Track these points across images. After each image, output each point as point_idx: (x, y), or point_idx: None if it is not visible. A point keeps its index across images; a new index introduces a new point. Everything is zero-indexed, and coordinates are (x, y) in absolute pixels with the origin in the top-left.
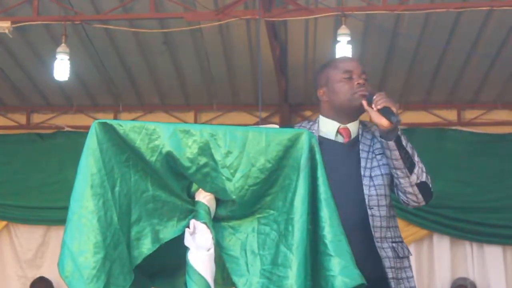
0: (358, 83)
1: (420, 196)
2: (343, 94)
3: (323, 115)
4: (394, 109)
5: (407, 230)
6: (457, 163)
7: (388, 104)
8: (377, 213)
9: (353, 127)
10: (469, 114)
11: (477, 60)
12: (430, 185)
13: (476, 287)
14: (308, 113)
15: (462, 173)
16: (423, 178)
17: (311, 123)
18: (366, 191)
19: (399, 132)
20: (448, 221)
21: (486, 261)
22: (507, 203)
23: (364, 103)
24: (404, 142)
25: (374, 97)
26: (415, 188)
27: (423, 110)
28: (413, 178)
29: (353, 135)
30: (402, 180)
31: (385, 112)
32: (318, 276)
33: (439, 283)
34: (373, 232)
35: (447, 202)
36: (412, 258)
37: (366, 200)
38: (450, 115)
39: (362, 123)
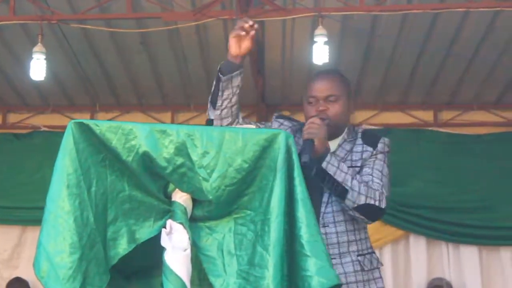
0: (317, 110)
1: (362, 217)
2: (307, 115)
3: None
4: (316, 143)
5: (383, 231)
6: (434, 163)
7: (312, 136)
8: (333, 230)
9: (332, 144)
10: (446, 115)
11: (453, 61)
12: (378, 203)
13: (452, 287)
14: (285, 113)
15: (439, 173)
16: (362, 201)
17: (294, 123)
18: (322, 208)
19: (325, 162)
20: (424, 221)
21: (462, 261)
22: (483, 203)
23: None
24: (333, 170)
25: (305, 125)
26: (354, 211)
27: (399, 111)
28: (348, 203)
29: (332, 151)
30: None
31: (304, 145)
32: (295, 276)
33: (416, 283)
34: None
35: (423, 203)
36: (388, 258)
37: (321, 218)
38: (427, 116)
39: (352, 133)
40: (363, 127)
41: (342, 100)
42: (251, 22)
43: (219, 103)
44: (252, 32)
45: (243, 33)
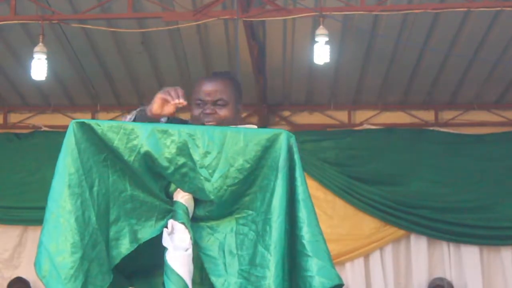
0: (205, 113)
1: None
2: (195, 119)
3: None
4: None
5: (384, 230)
6: (435, 163)
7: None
8: None
9: None
10: (447, 115)
11: (454, 61)
12: None
13: (453, 287)
14: (286, 113)
15: (440, 173)
16: None
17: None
18: None
19: None
20: (425, 221)
21: (463, 261)
22: (484, 203)
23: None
24: None
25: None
26: None
27: (400, 111)
28: None
29: None
30: None
31: None
32: (296, 276)
33: (416, 283)
34: None
35: (424, 203)
36: (389, 258)
37: None
38: (428, 115)
39: None
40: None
41: (230, 105)
42: (181, 101)
43: None
44: (178, 105)
45: (171, 100)
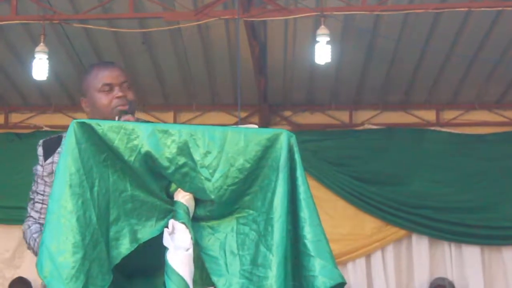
0: (117, 97)
1: None
2: (102, 107)
3: None
4: None
5: (386, 230)
6: (436, 163)
7: None
8: None
9: None
10: (448, 115)
11: (455, 60)
12: None
13: (454, 287)
14: (287, 113)
15: (441, 173)
16: None
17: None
18: None
19: None
20: (427, 221)
21: (464, 261)
22: (485, 203)
23: (125, 117)
24: None
25: (125, 117)
26: None
27: (402, 111)
28: None
29: None
30: None
31: None
32: (298, 276)
33: (418, 283)
34: None
35: (425, 203)
36: (391, 258)
37: None
38: (429, 115)
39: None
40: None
41: (132, 87)
42: None
43: None
44: None
45: None
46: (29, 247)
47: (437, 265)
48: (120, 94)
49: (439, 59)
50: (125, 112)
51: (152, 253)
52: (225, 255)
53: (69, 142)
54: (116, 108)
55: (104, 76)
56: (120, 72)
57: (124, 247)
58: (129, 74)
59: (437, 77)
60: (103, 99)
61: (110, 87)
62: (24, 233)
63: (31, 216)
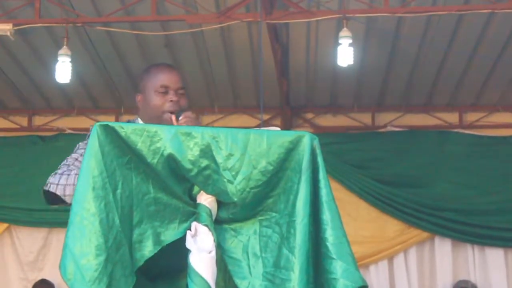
0: (171, 100)
1: None
2: (154, 107)
3: (142, 120)
4: None
5: (408, 233)
6: (459, 165)
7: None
8: None
9: None
10: (471, 117)
11: (478, 62)
12: None
13: None
14: (309, 115)
15: (464, 175)
16: None
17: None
18: None
19: None
20: (449, 223)
21: (488, 263)
22: (509, 205)
23: (173, 118)
24: None
25: (180, 117)
26: None
27: (424, 113)
28: None
29: None
30: None
31: None
32: (320, 278)
33: (441, 286)
34: None
35: (448, 205)
36: (413, 260)
37: None
38: (452, 117)
39: None
40: None
41: (186, 96)
42: None
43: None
44: None
45: None
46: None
47: (460, 268)
48: (174, 98)
49: (462, 61)
50: (174, 114)
51: (175, 256)
52: (248, 257)
53: (92, 144)
54: (166, 111)
55: (163, 77)
56: (179, 78)
57: (147, 249)
58: (185, 83)
59: (460, 79)
60: (157, 100)
61: (166, 90)
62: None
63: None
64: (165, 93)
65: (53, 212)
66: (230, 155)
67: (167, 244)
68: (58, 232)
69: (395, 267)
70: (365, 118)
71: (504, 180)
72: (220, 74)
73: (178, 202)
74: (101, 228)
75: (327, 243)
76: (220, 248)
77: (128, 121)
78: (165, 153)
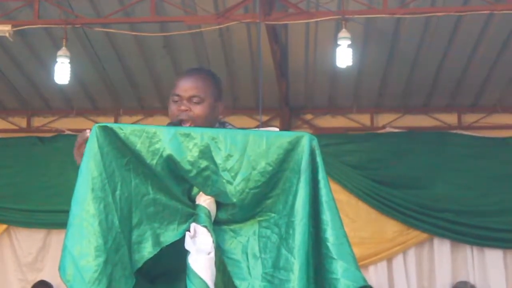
0: (181, 110)
1: None
2: (171, 116)
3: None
4: None
5: (407, 234)
6: (458, 166)
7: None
8: None
9: None
10: (470, 118)
11: (477, 63)
12: None
13: None
14: (308, 116)
15: (463, 176)
16: None
17: None
18: None
19: None
20: (448, 224)
21: (487, 265)
22: (508, 206)
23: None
24: None
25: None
26: None
27: (423, 114)
28: None
29: None
30: None
31: None
32: (321, 279)
33: (440, 287)
34: None
35: (447, 206)
36: (412, 262)
37: None
38: (451, 118)
39: None
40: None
41: (206, 102)
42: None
43: None
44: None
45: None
46: None
47: (459, 269)
48: (183, 107)
49: (460, 62)
50: (183, 122)
51: (174, 257)
52: (247, 258)
53: (91, 146)
54: (176, 118)
55: (177, 86)
56: (193, 85)
57: (147, 250)
58: (208, 87)
59: (459, 80)
60: (172, 108)
61: (179, 98)
62: None
63: None
64: (178, 101)
65: (52, 213)
66: (229, 156)
67: (166, 245)
68: (57, 233)
69: (394, 268)
70: (364, 119)
71: (503, 181)
72: (219, 75)
73: (177, 203)
74: (101, 229)
75: (328, 243)
76: (219, 249)
77: None
78: (164, 154)
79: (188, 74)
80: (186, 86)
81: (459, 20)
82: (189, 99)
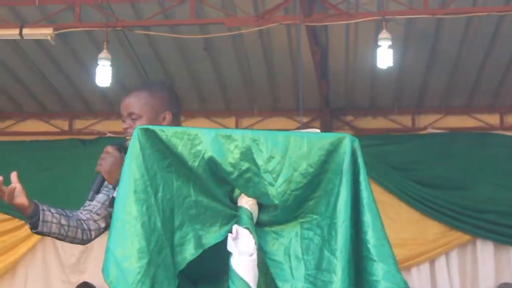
0: (123, 127)
1: None
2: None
3: None
4: (105, 176)
5: (449, 235)
6: (500, 167)
7: (99, 169)
8: None
9: None
10: None
11: None
12: None
13: None
14: (349, 118)
15: (505, 177)
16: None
17: None
18: None
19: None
20: (491, 226)
21: None
22: None
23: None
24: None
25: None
26: None
27: (465, 115)
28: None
29: None
30: None
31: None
32: (361, 281)
33: None
34: None
35: (490, 207)
36: (455, 263)
37: None
38: (493, 119)
39: None
40: None
41: (145, 117)
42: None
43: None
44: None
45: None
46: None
47: (503, 271)
48: (124, 126)
49: (502, 62)
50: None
51: (217, 259)
52: (290, 260)
53: (133, 148)
54: (125, 138)
55: (121, 104)
56: (128, 103)
57: (189, 252)
58: (144, 102)
59: (501, 80)
60: (122, 126)
61: (122, 117)
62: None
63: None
64: (123, 120)
65: None
66: (270, 158)
67: (208, 247)
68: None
69: (436, 270)
70: (405, 120)
71: None
72: (259, 77)
73: (218, 205)
74: (143, 231)
75: (368, 245)
76: (262, 251)
77: None
78: (206, 156)
79: (128, 92)
80: (124, 105)
81: (501, 19)
82: (128, 116)
